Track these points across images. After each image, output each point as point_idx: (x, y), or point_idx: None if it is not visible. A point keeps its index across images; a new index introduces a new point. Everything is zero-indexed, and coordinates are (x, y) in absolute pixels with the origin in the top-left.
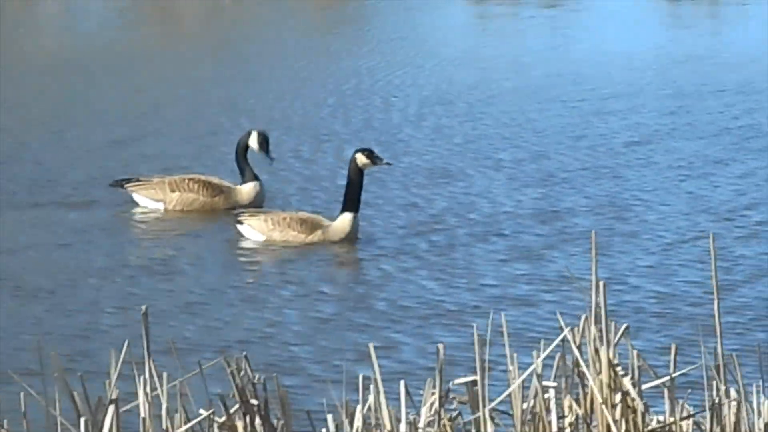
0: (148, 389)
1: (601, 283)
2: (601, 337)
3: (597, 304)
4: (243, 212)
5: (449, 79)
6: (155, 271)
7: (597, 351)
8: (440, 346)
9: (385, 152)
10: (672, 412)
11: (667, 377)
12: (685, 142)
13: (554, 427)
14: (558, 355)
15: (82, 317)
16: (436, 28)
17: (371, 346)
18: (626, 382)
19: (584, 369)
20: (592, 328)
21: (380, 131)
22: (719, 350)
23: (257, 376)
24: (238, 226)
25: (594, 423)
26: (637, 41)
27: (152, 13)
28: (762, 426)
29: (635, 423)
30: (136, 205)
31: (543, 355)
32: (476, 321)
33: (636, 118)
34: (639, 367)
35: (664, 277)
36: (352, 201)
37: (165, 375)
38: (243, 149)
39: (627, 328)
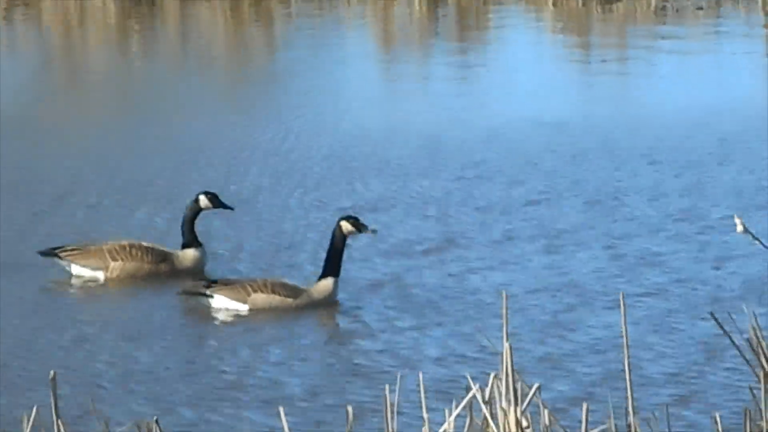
0: None
1: (507, 345)
2: (508, 397)
3: (505, 365)
4: (206, 283)
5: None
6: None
7: (506, 411)
8: (349, 408)
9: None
10: None
11: None
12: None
13: None
14: (468, 415)
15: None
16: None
17: (281, 409)
18: None
19: (493, 428)
20: (503, 388)
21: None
22: (630, 408)
23: None
24: (210, 299)
25: None
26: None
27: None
28: None
29: None
30: (70, 274)
31: (453, 414)
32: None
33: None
34: (549, 426)
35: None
36: (334, 266)
37: None
38: (194, 214)
39: (538, 387)
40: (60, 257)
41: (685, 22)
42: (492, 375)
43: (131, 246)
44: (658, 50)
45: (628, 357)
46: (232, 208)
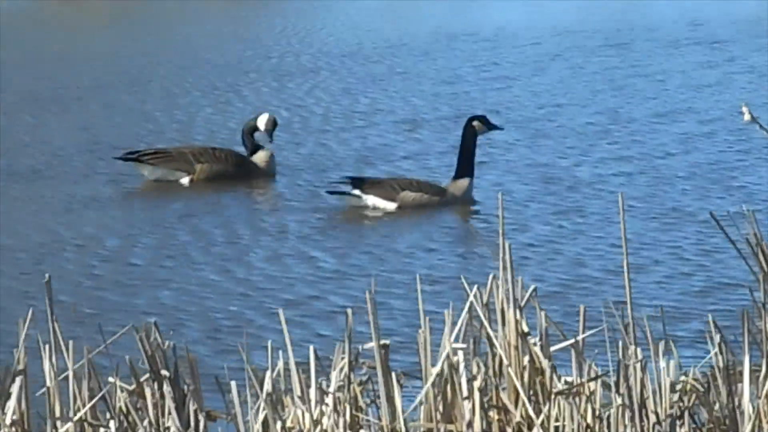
0: (54, 359)
1: (507, 244)
2: (508, 299)
3: (504, 265)
4: (356, 182)
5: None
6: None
7: (504, 312)
8: (349, 311)
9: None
10: (579, 374)
11: (574, 339)
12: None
13: (464, 390)
14: (465, 316)
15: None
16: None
17: (281, 311)
18: (533, 343)
19: (490, 331)
20: (500, 290)
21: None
22: (629, 311)
23: (167, 343)
24: (362, 197)
25: (503, 385)
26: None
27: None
28: (668, 385)
29: (543, 384)
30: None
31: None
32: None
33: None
34: (547, 328)
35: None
36: (468, 166)
37: (71, 343)
38: (252, 129)
39: (535, 289)
40: (142, 161)
41: None
42: (490, 276)
43: (214, 149)
44: None
45: (627, 256)
46: (272, 141)
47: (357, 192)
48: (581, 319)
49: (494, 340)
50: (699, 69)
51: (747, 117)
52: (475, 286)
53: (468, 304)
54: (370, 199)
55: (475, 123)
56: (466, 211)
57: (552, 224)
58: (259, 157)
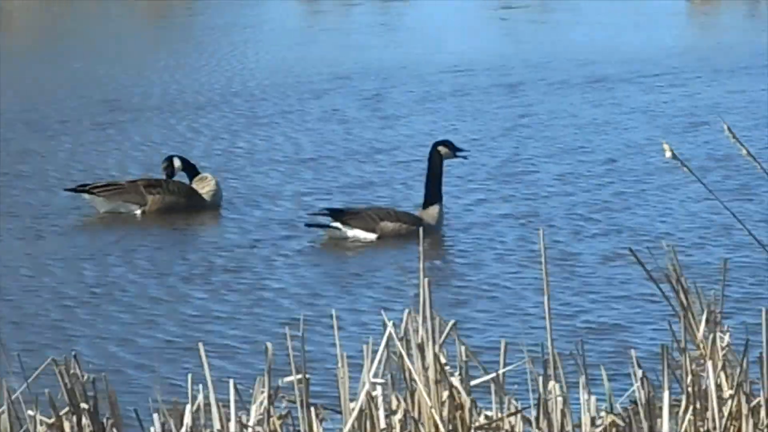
0: None
1: (426, 279)
2: (427, 333)
3: (423, 300)
4: (335, 213)
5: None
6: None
7: (422, 347)
8: (269, 344)
9: None
10: (500, 409)
11: (495, 373)
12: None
13: (382, 424)
14: (384, 350)
15: None
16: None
17: (201, 345)
18: (453, 378)
19: (410, 365)
20: (419, 324)
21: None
22: (550, 346)
23: (87, 376)
24: (342, 228)
25: (422, 420)
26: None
27: None
28: (588, 421)
29: (462, 419)
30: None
31: (370, 354)
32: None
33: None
34: (467, 362)
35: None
36: (437, 192)
37: None
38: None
39: (455, 323)
40: (93, 193)
41: None
42: (406, 311)
43: (166, 181)
44: None
45: (548, 294)
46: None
47: (337, 224)
48: (502, 353)
49: (414, 375)
50: (588, 108)
51: (668, 154)
52: (392, 321)
53: (386, 338)
54: (351, 231)
55: (441, 148)
56: (437, 239)
57: (457, 262)
58: (204, 187)
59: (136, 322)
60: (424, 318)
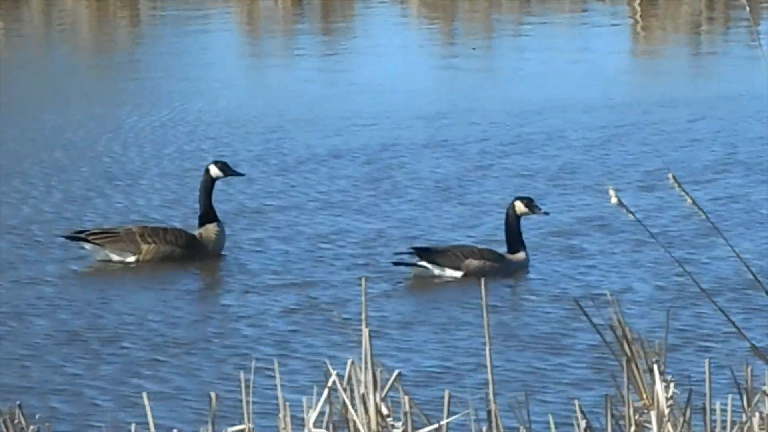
0: None
1: (366, 330)
2: (370, 384)
3: (365, 350)
4: (421, 252)
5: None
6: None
7: (365, 398)
8: (212, 394)
9: None
10: None
11: (437, 424)
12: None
13: None
14: (327, 401)
15: None
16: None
17: (144, 394)
18: (396, 428)
19: (354, 415)
20: (362, 376)
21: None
22: (492, 396)
23: (32, 427)
24: (429, 267)
25: None
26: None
27: None
28: None
29: None
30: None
31: (313, 402)
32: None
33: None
34: (410, 413)
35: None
36: (520, 241)
37: None
38: (210, 184)
39: (399, 374)
40: (88, 240)
41: (549, 11)
42: (349, 362)
43: (164, 230)
44: (522, 42)
45: (490, 345)
46: (243, 174)
47: (424, 263)
48: (446, 404)
49: (357, 425)
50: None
51: (614, 200)
52: (335, 371)
53: (328, 388)
54: (437, 269)
55: (517, 203)
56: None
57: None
58: (208, 231)
59: (88, 371)
60: (367, 368)
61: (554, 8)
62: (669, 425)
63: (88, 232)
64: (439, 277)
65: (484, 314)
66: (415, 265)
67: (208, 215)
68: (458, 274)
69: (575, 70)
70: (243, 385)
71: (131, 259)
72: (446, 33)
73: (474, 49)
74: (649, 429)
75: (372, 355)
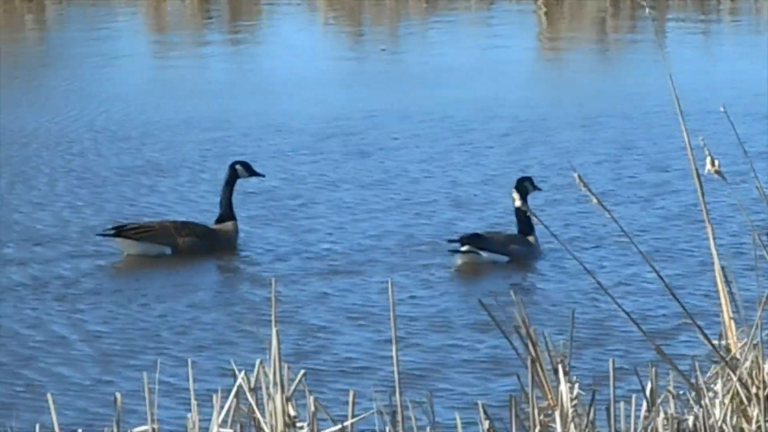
0: None
1: (275, 330)
2: (275, 384)
3: (273, 350)
4: (471, 239)
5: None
6: None
7: (271, 397)
8: (118, 394)
9: None
10: None
11: (341, 425)
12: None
13: None
14: (234, 401)
15: None
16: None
17: (49, 395)
18: (301, 428)
19: (259, 416)
20: (270, 375)
21: None
22: (397, 396)
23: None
24: (481, 253)
25: None
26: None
27: None
28: None
29: None
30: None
31: (219, 404)
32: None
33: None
34: (315, 413)
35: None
36: (528, 224)
37: None
38: (232, 183)
39: (304, 374)
40: (124, 236)
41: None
42: (258, 362)
43: (186, 223)
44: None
45: (396, 344)
46: (263, 175)
47: (473, 249)
48: (350, 403)
49: (262, 425)
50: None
51: (518, 203)
52: (243, 371)
53: (235, 388)
54: (485, 254)
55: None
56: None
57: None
58: (227, 227)
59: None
60: (274, 368)
61: (461, 7)
62: (572, 425)
63: (122, 227)
64: (489, 261)
65: (393, 317)
66: (471, 252)
67: (228, 215)
68: (504, 259)
69: (483, 68)
70: (146, 385)
71: (168, 251)
72: (355, 33)
73: (383, 50)
74: (554, 429)
75: (280, 356)
